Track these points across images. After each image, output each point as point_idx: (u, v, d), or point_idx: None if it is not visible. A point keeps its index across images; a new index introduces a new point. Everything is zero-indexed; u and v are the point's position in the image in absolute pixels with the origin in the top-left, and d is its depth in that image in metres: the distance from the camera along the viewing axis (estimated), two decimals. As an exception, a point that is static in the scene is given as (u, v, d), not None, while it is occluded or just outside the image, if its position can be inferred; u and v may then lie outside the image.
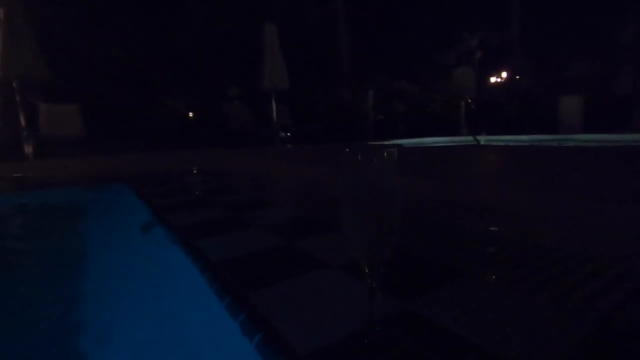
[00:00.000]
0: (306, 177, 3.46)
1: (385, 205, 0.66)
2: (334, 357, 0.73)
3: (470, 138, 7.73)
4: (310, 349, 0.75)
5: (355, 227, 0.68)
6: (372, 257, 0.69)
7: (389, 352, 0.74)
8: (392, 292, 0.99)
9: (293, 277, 1.12)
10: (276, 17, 8.32)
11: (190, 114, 11.40)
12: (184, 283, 1.29)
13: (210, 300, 1.01)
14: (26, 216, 3.04)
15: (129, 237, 2.20)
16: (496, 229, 1.61)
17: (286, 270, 1.17)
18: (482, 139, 7.45)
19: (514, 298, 0.95)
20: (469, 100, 9.58)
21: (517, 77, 13.56)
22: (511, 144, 6.89)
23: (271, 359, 0.74)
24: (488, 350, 0.74)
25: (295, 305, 0.94)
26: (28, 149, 5.66)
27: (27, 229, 2.72)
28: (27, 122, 5.86)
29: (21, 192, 3.52)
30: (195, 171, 4.37)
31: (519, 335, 0.78)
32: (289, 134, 9.57)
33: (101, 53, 9.50)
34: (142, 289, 1.49)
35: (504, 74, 13.74)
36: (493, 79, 13.76)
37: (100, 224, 2.69)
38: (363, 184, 0.65)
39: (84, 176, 4.27)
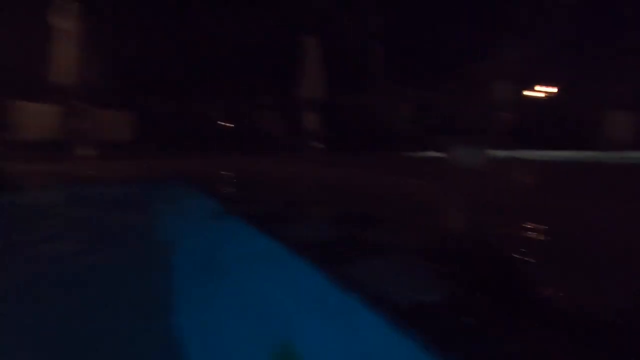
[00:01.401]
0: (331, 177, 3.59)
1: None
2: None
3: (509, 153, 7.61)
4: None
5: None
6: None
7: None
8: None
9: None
10: (311, 27, 8.50)
11: (224, 122, 11.73)
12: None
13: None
14: (111, 207, 3.16)
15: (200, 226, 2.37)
16: None
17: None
18: (527, 154, 7.25)
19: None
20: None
21: (561, 90, 13.18)
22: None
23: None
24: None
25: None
26: (85, 151, 6.01)
27: (113, 218, 2.82)
28: (85, 127, 6.22)
29: (97, 186, 3.73)
30: (233, 174, 4.54)
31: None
32: (321, 143, 9.71)
33: (145, 64, 9.96)
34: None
35: (547, 88, 13.39)
36: (533, 93, 13.43)
37: (174, 215, 2.81)
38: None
39: (145, 175, 4.50)
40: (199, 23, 11.18)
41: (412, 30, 13.81)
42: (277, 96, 11.31)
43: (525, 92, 13.33)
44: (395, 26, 13.40)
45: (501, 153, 8.15)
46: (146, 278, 1.64)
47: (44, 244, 2.08)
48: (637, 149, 7.31)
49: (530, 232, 2.04)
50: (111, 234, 2.28)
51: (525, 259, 1.64)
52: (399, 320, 1.08)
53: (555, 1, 12.83)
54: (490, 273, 1.51)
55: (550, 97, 13.32)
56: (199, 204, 2.78)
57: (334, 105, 10.53)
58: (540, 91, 13.43)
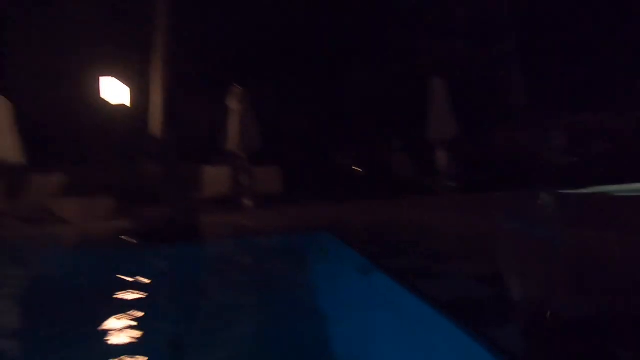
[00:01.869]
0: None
1: None
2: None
3: None
4: None
5: None
6: None
7: None
8: None
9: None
10: (439, 63, 8.57)
11: (356, 168, 12.44)
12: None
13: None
14: (259, 258, 3.79)
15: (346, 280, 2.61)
16: None
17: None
18: None
19: None
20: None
21: None
22: None
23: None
24: None
25: None
26: (248, 202, 7.28)
27: (260, 269, 3.33)
28: (248, 182, 7.57)
29: (255, 236, 4.50)
30: (371, 221, 4.79)
31: None
32: (454, 183, 9.36)
33: (291, 127, 11.61)
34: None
35: None
36: None
37: (318, 267, 3.21)
38: None
39: (295, 225, 5.21)
40: (334, 74, 12.42)
41: (549, 49, 12.53)
42: (410, 137, 11.45)
43: None
44: (531, 49, 12.35)
45: None
46: (297, 326, 1.89)
47: (217, 290, 2.54)
48: None
49: None
50: (266, 282, 2.63)
51: None
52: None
53: None
54: None
55: None
56: (342, 255, 3.07)
57: (473, 141, 10.15)
58: None
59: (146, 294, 2.40)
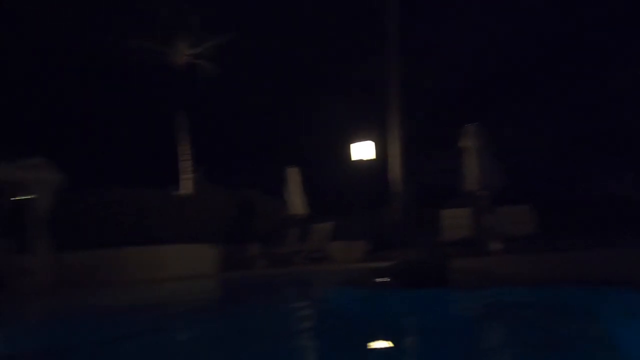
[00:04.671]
0: None
1: None
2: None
3: None
4: None
5: None
6: None
7: None
8: None
9: None
10: None
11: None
12: None
13: None
14: (526, 313, 3.12)
15: None
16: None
17: None
18: None
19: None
20: None
21: None
22: None
23: None
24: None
25: None
26: (495, 246, 6.83)
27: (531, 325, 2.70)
28: (489, 223, 7.17)
29: (519, 286, 3.88)
30: None
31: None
32: None
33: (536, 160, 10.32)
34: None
35: None
36: None
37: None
38: None
39: (560, 274, 4.49)
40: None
41: None
42: None
43: None
44: None
45: None
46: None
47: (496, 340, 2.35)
48: None
49: None
50: (558, 341, 2.17)
51: None
52: None
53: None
54: None
55: None
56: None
57: None
58: None
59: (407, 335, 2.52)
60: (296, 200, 8.85)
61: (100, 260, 6.85)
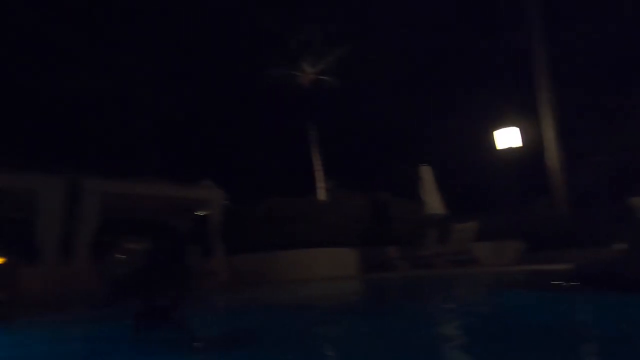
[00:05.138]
0: None
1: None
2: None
3: None
4: None
5: None
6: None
7: None
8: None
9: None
10: None
11: None
12: None
13: None
14: None
15: None
16: None
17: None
18: None
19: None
20: None
21: None
22: None
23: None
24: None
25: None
26: None
27: None
28: None
29: None
30: None
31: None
32: None
33: None
34: None
35: None
36: None
37: None
38: None
39: None
40: None
41: None
42: None
43: None
44: None
45: None
46: None
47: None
48: None
49: None
50: None
51: None
52: None
53: None
54: None
55: None
56: None
57: None
58: None
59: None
60: (432, 200, 8.51)
61: (260, 262, 7.82)
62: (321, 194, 14.52)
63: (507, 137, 9.22)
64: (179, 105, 15.86)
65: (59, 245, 6.32)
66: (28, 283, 6.40)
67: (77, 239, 6.51)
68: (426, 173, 8.73)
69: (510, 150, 9.26)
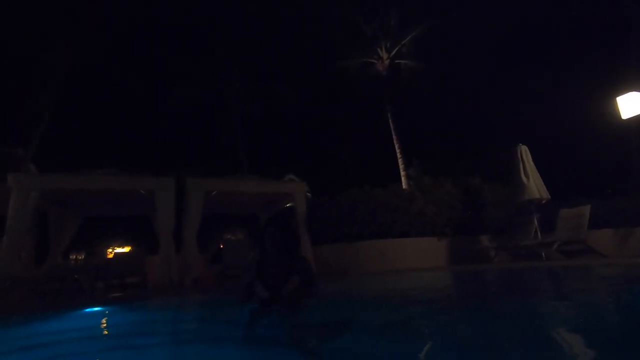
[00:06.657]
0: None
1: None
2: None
3: None
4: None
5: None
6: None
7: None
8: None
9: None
10: None
11: None
12: None
13: None
14: None
15: None
16: None
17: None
18: None
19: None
20: None
21: None
22: None
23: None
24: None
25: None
26: None
27: None
28: None
29: None
30: None
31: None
32: None
33: None
34: None
35: None
36: None
37: None
38: None
39: None
40: None
41: None
42: None
43: None
44: None
45: None
46: None
47: None
48: None
49: None
50: None
51: None
52: None
53: None
54: None
55: None
56: None
57: None
58: None
59: None
60: (531, 183, 7.58)
61: (345, 253, 7.83)
62: (406, 182, 14.07)
63: (635, 104, 7.58)
64: (262, 104, 16.71)
65: (173, 237, 7.09)
66: (151, 269, 7.31)
67: (185, 231, 7.23)
68: (524, 153, 7.82)
69: (620, 123, 7.78)
